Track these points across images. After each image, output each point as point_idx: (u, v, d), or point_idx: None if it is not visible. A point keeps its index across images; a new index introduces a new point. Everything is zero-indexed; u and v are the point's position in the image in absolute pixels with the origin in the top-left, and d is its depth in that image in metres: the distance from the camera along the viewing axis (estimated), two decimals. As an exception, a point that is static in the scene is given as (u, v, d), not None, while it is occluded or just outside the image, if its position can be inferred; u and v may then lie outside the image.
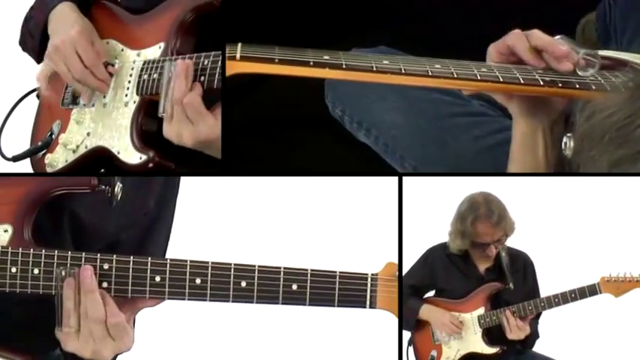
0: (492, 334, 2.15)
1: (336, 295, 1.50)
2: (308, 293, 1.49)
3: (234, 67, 1.42)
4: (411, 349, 2.24)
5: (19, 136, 1.99)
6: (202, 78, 1.65)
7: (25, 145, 1.97)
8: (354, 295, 1.50)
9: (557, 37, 1.56)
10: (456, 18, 2.50)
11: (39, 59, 1.96)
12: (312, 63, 1.44)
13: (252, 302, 1.49)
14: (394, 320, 1.74)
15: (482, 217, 2.13)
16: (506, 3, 2.41)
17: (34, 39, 1.96)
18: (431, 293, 2.26)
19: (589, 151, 1.35)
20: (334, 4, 2.56)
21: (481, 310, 2.16)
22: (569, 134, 1.47)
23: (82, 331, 1.47)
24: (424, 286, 2.25)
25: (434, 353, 2.19)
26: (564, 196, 2.31)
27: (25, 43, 2.01)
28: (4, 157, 1.96)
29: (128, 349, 1.50)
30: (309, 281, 1.49)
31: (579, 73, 1.52)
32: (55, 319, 1.60)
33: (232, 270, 1.48)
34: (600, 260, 2.19)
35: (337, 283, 1.49)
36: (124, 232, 1.63)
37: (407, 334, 2.23)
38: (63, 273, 1.46)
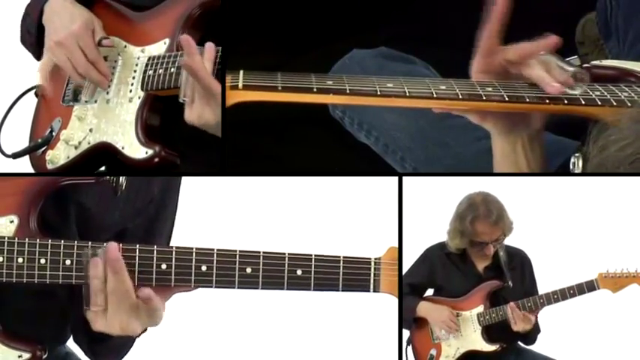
0: (492, 331, 2.16)
1: (340, 279, 1.49)
2: (312, 278, 1.49)
3: (236, 96, 1.41)
4: (409, 348, 2.25)
5: (18, 133, 1.99)
6: None
7: (24, 142, 1.97)
8: (358, 280, 1.50)
9: (542, 53, 1.54)
10: (456, 18, 2.49)
11: (38, 54, 1.95)
12: (315, 89, 1.43)
13: (257, 288, 1.49)
14: (394, 320, 1.74)
15: (481, 216, 2.13)
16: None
17: (31, 35, 1.96)
18: (429, 292, 2.27)
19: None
20: (335, 5, 2.56)
21: (480, 308, 2.16)
22: (577, 154, 1.47)
23: (109, 309, 1.46)
24: (422, 285, 2.26)
25: (433, 352, 2.20)
26: (562, 196, 2.32)
27: (24, 41, 2.01)
28: (3, 154, 1.95)
29: (156, 324, 1.50)
30: (313, 266, 1.49)
31: (568, 91, 1.50)
32: (60, 312, 1.63)
33: (237, 257, 1.49)
34: (598, 257, 2.20)
35: (341, 267, 1.50)
36: (131, 221, 1.63)
37: (405, 333, 2.24)
38: (88, 253, 1.46)
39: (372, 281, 1.50)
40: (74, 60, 1.83)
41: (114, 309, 1.46)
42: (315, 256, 1.50)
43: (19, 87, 2.02)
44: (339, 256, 1.51)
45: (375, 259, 1.51)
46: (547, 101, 1.48)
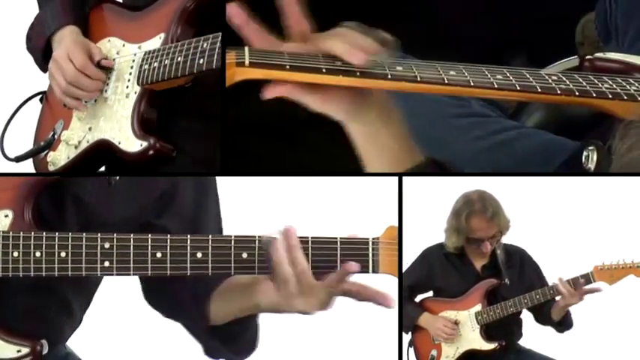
0: (490, 330, 2.16)
1: (338, 261, 1.48)
2: (310, 261, 1.48)
3: (242, 74, 1.36)
4: (411, 350, 2.25)
5: (22, 138, 2.00)
6: (202, 60, 1.67)
7: (28, 147, 1.98)
8: (357, 260, 1.48)
9: (344, 24, 1.47)
10: (457, 18, 2.49)
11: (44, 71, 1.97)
12: (324, 70, 1.38)
13: (254, 273, 1.49)
14: (394, 320, 1.74)
15: (476, 212, 2.14)
16: (506, 3, 2.41)
17: (36, 59, 1.98)
18: (429, 293, 2.27)
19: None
20: (334, 4, 2.56)
21: (478, 307, 2.17)
22: (590, 147, 1.45)
23: (303, 289, 1.46)
24: (421, 286, 2.26)
25: (434, 353, 2.20)
26: (556, 191, 2.32)
27: (30, 54, 2.02)
28: (6, 157, 1.97)
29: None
30: (310, 248, 1.48)
31: (371, 58, 1.39)
32: (60, 307, 1.64)
33: (233, 242, 1.48)
34: (593, 250, 2.20)
35: (339, 248, 1.49)
36: (153, 216, 1.62)
37: (406, 335, 2.24)
38: (265, 241, 1.47)
39: (370, 262, 1.49)
40: (63, 70, 1.84)
41: (307, 288, 1.46)
42: (312, 238, 1.49)
43: (23, 92, 2.03)
44: (336, 237, 1.49)
45: (374, 238, 1.50)
46: (558, 92, 1.45)
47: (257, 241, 1.49)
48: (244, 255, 1.48)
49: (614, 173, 1.35)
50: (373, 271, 1.49)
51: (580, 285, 2.08)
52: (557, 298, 2.12)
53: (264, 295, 1.50)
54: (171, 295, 1.63)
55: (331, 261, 1.48)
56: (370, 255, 1.49)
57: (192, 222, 1.65)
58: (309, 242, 1.49)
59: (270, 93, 1.39)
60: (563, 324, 2.17)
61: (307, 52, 1.40)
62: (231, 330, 1.59)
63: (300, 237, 1.48)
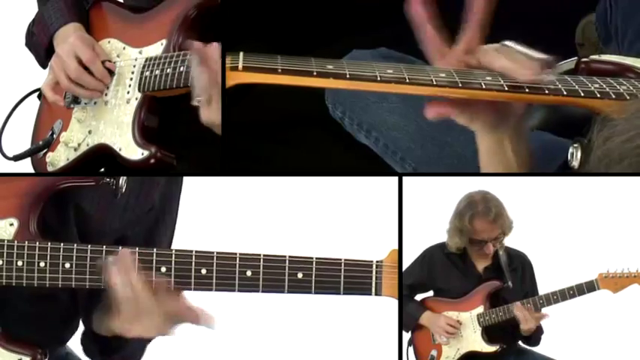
0: (492, 332, 2.16)
1: (342, 282, 1.48)
2: (313, 281, 1.48)
3: (236, 78, 1.39)
4: (410, 349, 2.25)
5: (20, 136, 2.00)
6: None
7: (26, 145, 1.98)
8: (360, 283, 1.48)
9: (506, 42, 1.52)
10: (456, 19, 2.49)
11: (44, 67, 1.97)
12: (315, 73, 1.41)
13: (257, 291, 1.49)
14: (394, 321, 1.74)
15: (479, 214, 2.13)
16: (505, 4, 2.40)
17: (38, 56, 1.98)
18: (430, 293, 2.27)
19: (607, 170, 1.33)
20: (335, 5, 2.56)
21: (480, 309, 2.16)
22: (575, 145, 1.45)
23: (140, 312, 1.44)
24: (422, 286, 2.26)
25: (434, 353, 2.20)
26: (562, 196, 2.32)
27: (30, 50, 2.02)
28: (5, 156, 1.97)
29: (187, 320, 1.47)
30: (314, 269, 1.48)
31: (543, 79, 1.46)
32: (61, 315, 1.64)
33: (237, 259, 1.48)
34: (598, 257, 2.20)
35: (342, 270, 1.49)
36: (130, 228, 1.63)
37: (405, 335, 2.24)
38: (102, 263, 1.45)
39: (373, 284, 1.49)
40: (66, 67, 1.84)
41: (146, 313, 1.44)
42: (316, 259, 1.49)
43: (21, 89, 2.04)
44: (341, 259, 1.49)
45: (377, 262, 1.50)
46: (546, 92, 1.45)
47: (262, 259, 1.49)
48: (248, 273, 1.48)
49: (615, 173, 1.34)
50: (376, 294, 1.50)
51: (537, 308, 2.10)
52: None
53: (110, 317, 1.49)
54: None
55: (334, 282, 1.49)
56: (374, 278, 1.49)
57: (151, 229, 1.67)
58: (314, 263, 1.49)
59: (431, 113, 1.48)
60: (531, 340, 2.18)
61: (468, 63, 1.49)
62: (110, 342, 1.56)
63: (305, 257, 1.49)
